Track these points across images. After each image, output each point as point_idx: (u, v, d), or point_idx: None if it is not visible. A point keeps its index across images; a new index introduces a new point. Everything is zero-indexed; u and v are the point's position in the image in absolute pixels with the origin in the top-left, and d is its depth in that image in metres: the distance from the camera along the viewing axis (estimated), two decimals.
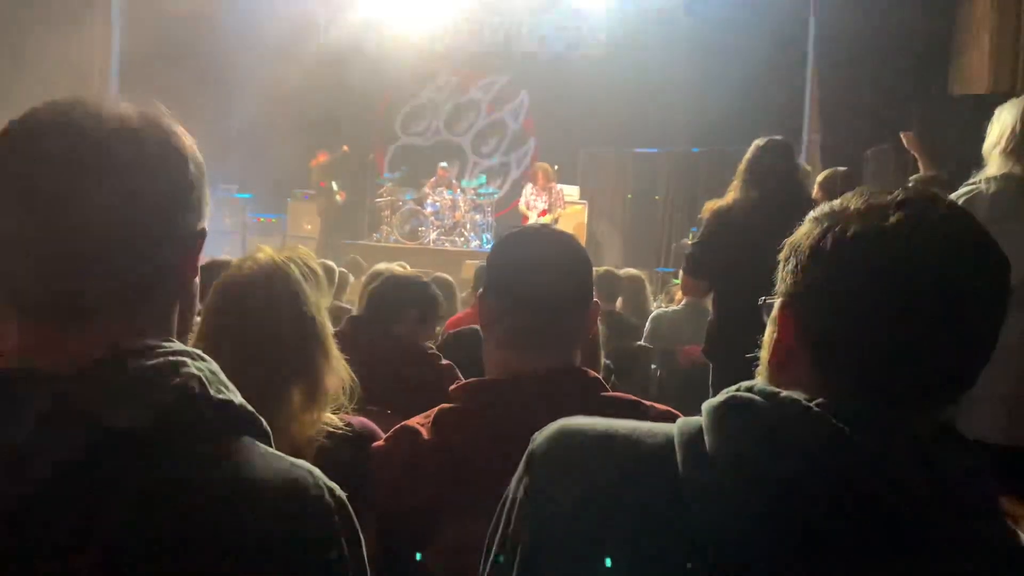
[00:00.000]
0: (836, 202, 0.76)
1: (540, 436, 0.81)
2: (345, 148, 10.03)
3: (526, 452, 0.81)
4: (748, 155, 3.09)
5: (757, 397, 0.71)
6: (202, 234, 0.80)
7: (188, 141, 0.79)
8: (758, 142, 3.09)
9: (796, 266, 0.76)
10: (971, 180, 2.21)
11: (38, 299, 0.72)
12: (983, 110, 2.36)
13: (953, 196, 2.17)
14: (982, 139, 2.27)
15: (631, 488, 0.73)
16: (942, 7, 7.37)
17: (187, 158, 0.78)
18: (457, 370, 2.37)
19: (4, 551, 0.64)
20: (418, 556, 1.14)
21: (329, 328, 1.40)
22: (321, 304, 1.39)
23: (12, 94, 7.03)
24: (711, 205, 3.13)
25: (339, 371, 1.39)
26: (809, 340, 0.74)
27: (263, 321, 1.31)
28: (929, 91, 5.63)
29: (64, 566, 0.64)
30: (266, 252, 1.39)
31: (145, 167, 0.74)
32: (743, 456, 0.68)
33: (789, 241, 0.78)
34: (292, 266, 1.36)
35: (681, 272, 3.44)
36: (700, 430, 0.72)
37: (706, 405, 0.74)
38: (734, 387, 0.74)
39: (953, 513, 0.66)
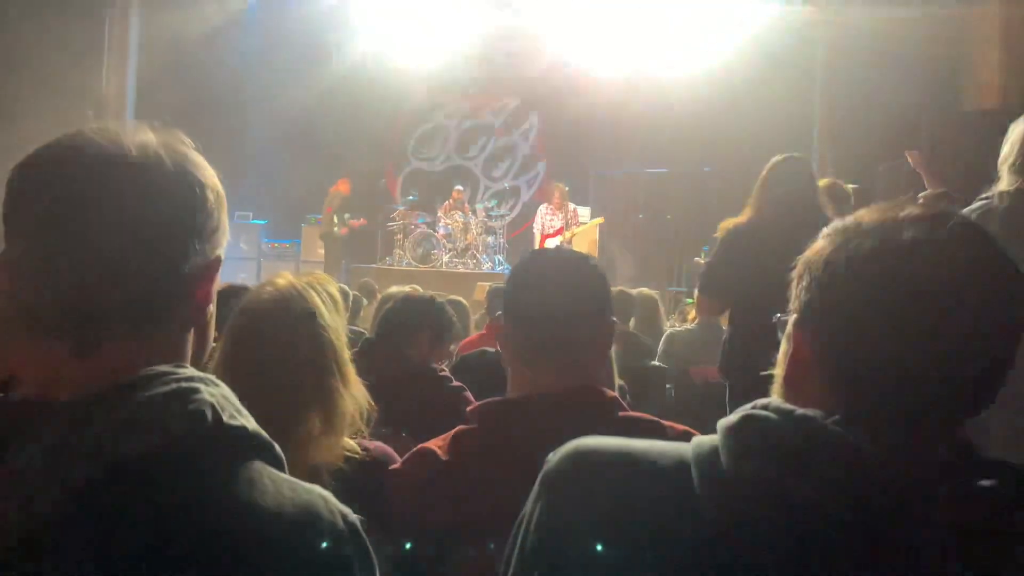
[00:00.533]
0: (849, 218, 0.76)
1: (554, 456, 0.80)
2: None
3: (541, 472, 0.81)
4: (764, 172, 3.06)
5: (772, 415, 0.71)
6: (217, 262, 0.80)
7: (207, 169, 0.80)
8: (774, 159, 3.07)
9: (810, 283, 0.76)
10: (983, 195, 2.20)
11: (53, 322, 0.73)
12: (994, 124, 2.36)
13: (966, 211, 2.16)
14: (994, 153, 2.27)
15: (647, 507, 0.72)
16: (952, 23, 7.38)
17: (205, 186, 0.79)
18: (468, 392, 2.36)
19: None
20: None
21: (347, 353, 1.40)
22: (340, 329, 1.39)
23: (32, 119, 7.23)
24: (726, 224, 3.11)
25: (357, 396, 1.39)
26: (824, 357, 0.74)
27: (281, 346, 1.32)
28: (939, 106, 5.63)
29: None
30: (285, 278, 1.40)
31: (161, 195, 0.75)
32: (759, 475, 0.68)
33: (802, 258, 0.78)
34: (311, 292, 1.37)
35: (696, 291, 3.41)
36: (715, 449, 0.72)
37: (721, 423, 0.73)
38: (749, 405, 0.74)
39: (972, 533, 0.65)
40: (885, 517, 0.65)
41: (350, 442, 1.39)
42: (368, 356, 2.29)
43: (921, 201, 2.65)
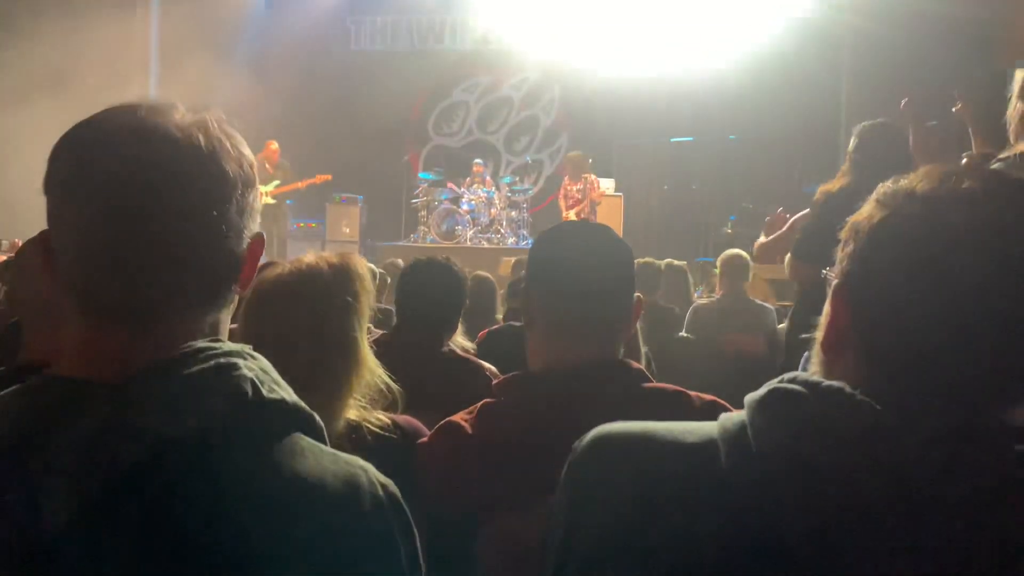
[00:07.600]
0: (903, 182, 0.73)
1: (579, 445, 0.80)
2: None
3: (567, 461, 0.80)
4: (855, 138, 2.97)
5: (800, 387, 0.69)
6: (261, 239, 0.80)
7: (244, 145, 0.79)
8: (866, 124, 2.97)
9: (854, 250, 0.74)
10: (1001, 155, 2.05)
11: (113, 305, 0.73)
12: None
13: None
14: None
15: (675, 488, 0.72)
16: None
17: (248, 162, 0.78)
18: (483, 368, 2.31)
19: (64, 566, 0.65)
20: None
21: (364, 331, 1.39)
22: (364, 306, 1.39)
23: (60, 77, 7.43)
24: (824, 188, 2.99)
25: (373, 369, 1.39)
26: (860, 324, 0.73)
27: (299, 321, 1.31)
28: (974, 66, 5.46)
29: None
30: (312, 256, 1.40)
31: (207, 173, 0.74)
32: (788, 448, 0.67)
33: (851, 220, 0.76)
34: (335, 269, 1.37)
35: (789, 256, 3.23)
36: (743, 424, 0.71)
37: (748, 398, 0.72)
38: (777, 379, 0.72)
39: (1003, 500, 0.64)
40: (913, 487, 0.64)
41: (381, 416, 1.40)
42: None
43: (965, 161, 2.48)
